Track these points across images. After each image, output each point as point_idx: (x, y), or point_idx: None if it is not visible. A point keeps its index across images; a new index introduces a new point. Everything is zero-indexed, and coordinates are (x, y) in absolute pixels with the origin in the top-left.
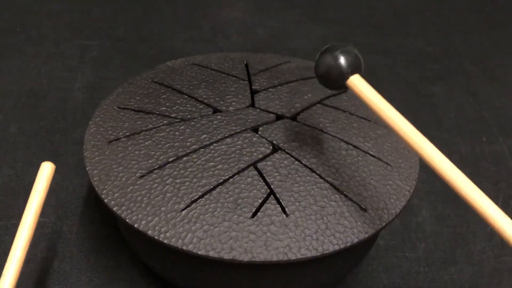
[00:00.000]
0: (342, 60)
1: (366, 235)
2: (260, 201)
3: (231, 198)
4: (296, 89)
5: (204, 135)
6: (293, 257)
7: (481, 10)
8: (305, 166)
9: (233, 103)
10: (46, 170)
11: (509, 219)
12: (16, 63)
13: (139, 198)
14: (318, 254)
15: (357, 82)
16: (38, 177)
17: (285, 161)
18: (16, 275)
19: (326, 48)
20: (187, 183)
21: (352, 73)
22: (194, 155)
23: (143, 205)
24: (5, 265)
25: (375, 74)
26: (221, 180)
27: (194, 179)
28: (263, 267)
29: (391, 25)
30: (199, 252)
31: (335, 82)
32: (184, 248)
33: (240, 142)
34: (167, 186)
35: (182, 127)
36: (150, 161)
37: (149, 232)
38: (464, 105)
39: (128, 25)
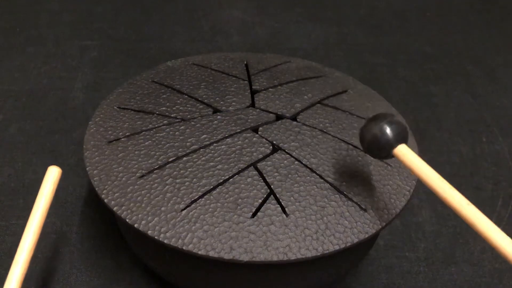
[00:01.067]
0: (390, 130)
1: (366, 235)
2: (260, 201)
3: (231, 198)
4: (296, 89)
5: (204, 135)
6: (293, 257)
7: (481, 10)
8: (305, 166)
9: (233, 103)
10: (52, 174)
11: None
12: (16, 63)
13: (139, 198)
14: (318, 254)
15: (404, 151)
16: (44, 181)
17: (285, 161)
18: (21, 278)
19: (373, 117)
20: (187, 183)
21: (398, 143)
22: (194, 155)
23: (143, 205)
24: (10, 268)
25: (375, 74)
26: (221, 180)
27: (194, 179)
28: (263, 267)
29: (391, 25)
30: (199, 252)
31: (381, 151)
32: (184, 248)
33: (240, 142)
34: (167, 186)
35: (182, 127)
36: (150, 161)
37: (149, 232)
38: (464, 105)
39: (128, 25)
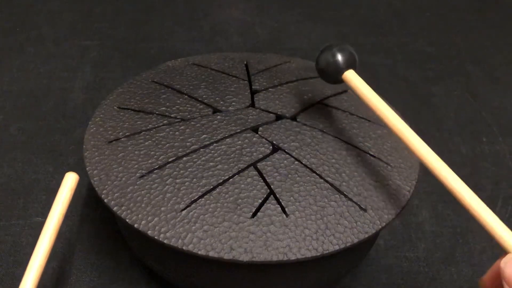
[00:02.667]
0: (339, 56)
1: (366, 235)
2: (260, 201)
3: (231, 198)
4: (296, 89)
5: (204, 135)
6: (293, 257)
7: (481, 10)
8: (305, 166)
9: (233, 103)
10: (69, 181)
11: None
12: (16, 63)
13: (139, 198)
14: (318, 254)
15: (351, 76)
16: (61, 187)
17: (285, 161)
18: (36, 282)
19: (325, 47)
20: (187, 183)
21: (347, 68)
22: (194, 155)
23: (143, 205)
24: (25, 272)
25: (375, 74)
26: (221, 180)
27: (194, 179)
28: (263, 267)
29: (391, 25)
30: (199, 252)
31: (332, 76)
32: (184, 248)
33: (240, 142)
34: (167, 186)
35: (182, 127)
36: (150, 161)
37: (149, 232)
38: (464, 105)
39: (128, 25)
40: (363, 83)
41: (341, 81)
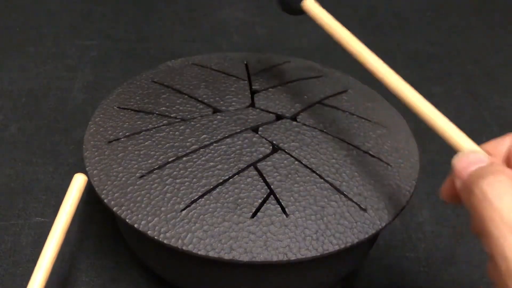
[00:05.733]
0: None
1: (366, 235)
2: (260, 201)
3: (231, 198)
4: (296, 89)
5: (204, 135)
6: (293, 257)
7: (481, 10)
8: (305, 166)
9: (233, 103)
10: (78, 182)
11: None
12: (16, 63)
13: (139, 198)
14: (318, 254)
15: (310, 5)
16: (70, 189)
17: (285, 161)
18: (43, 283)
19: None
20: (187, 183)
21: None
22: (194, 155)
23: (143, 205)
24: (32, 275)
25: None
26: (221, 180)
27: (194, 179)
28: (263, 267)
29: (391, 25)
30: (199, 252)
31: (291, 4)
32: (184, 248)
33: (240, 142)
34: (167, 186)
35: (182, 127)
36: (150, 161)
37: (149, 232)
38: (464, 105)
39: (128, 25)
40: (323, 11)
41: (301, 12)
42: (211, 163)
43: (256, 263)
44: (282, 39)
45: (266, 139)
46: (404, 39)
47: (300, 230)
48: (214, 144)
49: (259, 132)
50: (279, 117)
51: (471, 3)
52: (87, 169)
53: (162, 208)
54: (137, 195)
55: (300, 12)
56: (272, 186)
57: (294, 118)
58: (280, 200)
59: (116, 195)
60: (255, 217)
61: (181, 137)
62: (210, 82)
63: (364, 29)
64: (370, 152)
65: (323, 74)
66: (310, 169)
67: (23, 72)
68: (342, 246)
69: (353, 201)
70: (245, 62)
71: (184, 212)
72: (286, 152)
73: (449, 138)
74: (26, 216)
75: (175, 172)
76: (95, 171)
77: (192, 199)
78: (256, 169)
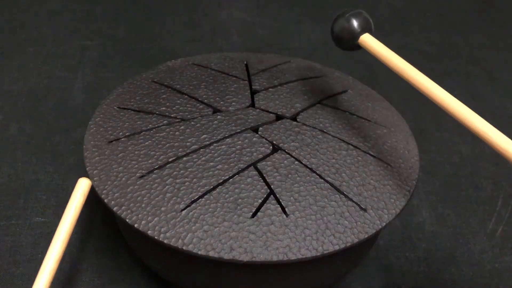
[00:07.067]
0: (353, 21)
1: (366, 235)
2: (260, 201)
3: (231, 198)
4: (296, 89)
5: (204, 135)
6: (293, 257)
7: (481, 10)
8: (305, 166)
9: (233, 103)
10: (82, 186)
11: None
12: (16, 63)
13: (139, 198)
14: (318, 254)
15: (368, 39)
16: (74, 193)
17: (285, 161)
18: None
19: (339, 14)
20: (187, 183)
21: (363, 32)
22: (194, 155)
23: (143, 205)
24: (36, 278)
25: (375, 74)
26: (221, 180)
27: (194, 179)
28: (263, 267)
29: (391, 25)
30: (199, 252)
31: (349, 41)
32: (184, 248)
33: (240, 142)
34: (167, 186)
35: (182, 127)
36: (150, 161)
37: (149, 232)
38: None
39: (128, 25)
40: (381, 44)
41: (358, 47)
42: (211, 163)
43: (256, 263)
44: (282, 39)
45: (266, 139)
46: (404, 39)
47: (300, 230)
48: (214, 144)
49: (259, 132)
50: (279, 117)
51: (471, 3)
52: (87, 169)
53: (162, 208)
54: (137, 195)
55: (357, 47)
56: (272, 186)
57: (294, 118)
58: (280, 200)
59: (116, 195)
60: (255, 217)
61: (181, 137)
62: (210, 82)
63: None
64: (370, 152)
65: (323, 74)
66: (310, 169)
67: (23, 72)
68: (342, 246)
69: (353, 201)
70: (245, 62)
71: (184, 212)
72: (286, 152)
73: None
74: (26, 216)
75: (175, 172)
76: (95, 171)
77: (192, 199)
78: (256, 169)
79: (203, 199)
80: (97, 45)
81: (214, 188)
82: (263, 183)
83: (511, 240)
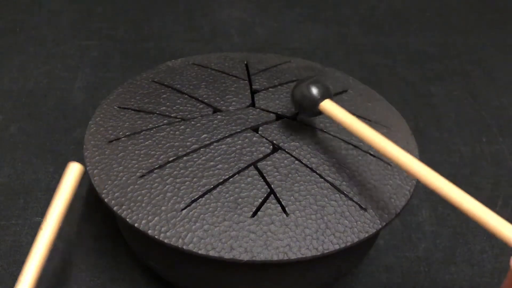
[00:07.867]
0: (313, 89)
1: (366, 235)
2: (260, 200)
3: (231, 198)
4: None
5: (204, 135)
6: (293, 257)
7: (481, 10)
8: (305, 165)
9: (233, 103)
10: (73, 172)
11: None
12: (16, 63)
13: (139, 197)
14: (319, 253)
15: (328, 106)
16: (64, 179)
17: (285, 161)
18: (35, 279)
19: (298, 81)
20: (187, 182)
21: (323, 99)
22: (194, 155)
23: (143, 204)
24: (22, 270)
25: (375, 74)
26: (222, 180)
27: (195, 179)
28: (263, 266)
29: (391, 25)
30: (199, 252)
31: (309, 108)
32: (184, 247)
33: (240, 141)
34: (167, 186)
35: (182, 127)
36: (150, 160)
37: (149, 232)
38: (464, 105)
39: (128, 25)
40: (341, 110)
41: (320, 113)
42: (212, 163)
43: (256, 263)
44: (282, 39)
45: (266, 138)
46: (404, 39)
47: (300, 230)
48: (215, 144)
49: (259, 132)
50: (279, 117)
51: (471, 3)
52: (87, 168)
53: (163, 208)
54: (138, 195)
55: (318, 113)
56: (272, 186)
57: (294, 117)
58: (280, 200)
59: (116, 194)
60: (255, 217)
61: (181, 137)
62: (210, 82)
63: (364, 29)
64: (370, 152)
65: (323, 74)
66: (310, 168)
67: (23, 72)
68: (343, 246)
69: (353, 201)
70: (245, 62)
71: (184, 211)
72: (286, 151)
73: (503, 236)
74: (26, 216)
75: (175, 172)
76: (95, 171)
77: (193, 199)
78: (257, 168)
79: (203, 198)
80: (97, 45)
81: (215, 187)
82: (263, 183)
83: None
